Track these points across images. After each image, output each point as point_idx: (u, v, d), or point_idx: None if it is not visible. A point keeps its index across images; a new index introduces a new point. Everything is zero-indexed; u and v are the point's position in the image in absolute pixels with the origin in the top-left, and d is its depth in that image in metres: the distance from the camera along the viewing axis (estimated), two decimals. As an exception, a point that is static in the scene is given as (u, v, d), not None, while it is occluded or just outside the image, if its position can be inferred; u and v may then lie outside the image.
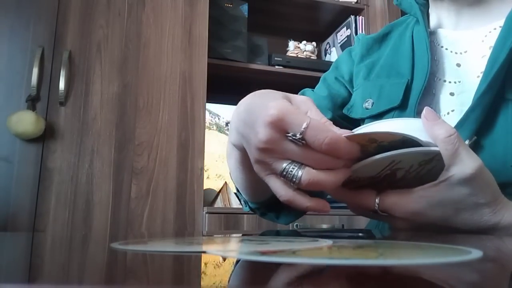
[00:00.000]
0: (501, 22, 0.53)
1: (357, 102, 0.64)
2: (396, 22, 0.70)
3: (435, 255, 0.24)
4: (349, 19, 2.02)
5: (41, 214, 1.34)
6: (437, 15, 0.63)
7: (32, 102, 1.39)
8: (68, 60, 1.44)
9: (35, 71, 1.38)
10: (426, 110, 0.41)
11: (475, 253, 0.23)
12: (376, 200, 0.42)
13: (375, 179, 0.43)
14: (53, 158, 1.38)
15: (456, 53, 0.59)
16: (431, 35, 0.61)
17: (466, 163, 0.39)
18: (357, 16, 2.03)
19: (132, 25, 1.55)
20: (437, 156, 0.40)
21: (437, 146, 0.40)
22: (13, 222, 1.32)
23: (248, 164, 0.43)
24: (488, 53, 0.52)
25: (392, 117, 0.57)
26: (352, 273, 0.19)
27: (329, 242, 0.30)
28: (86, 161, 1.41)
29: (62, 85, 1.40)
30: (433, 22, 0.64)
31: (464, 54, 0.58)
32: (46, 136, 1.39)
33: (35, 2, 1.46)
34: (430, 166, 0.41)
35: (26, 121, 1.32)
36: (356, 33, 2.00)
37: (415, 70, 0.58)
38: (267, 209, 0.61)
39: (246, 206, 0.62)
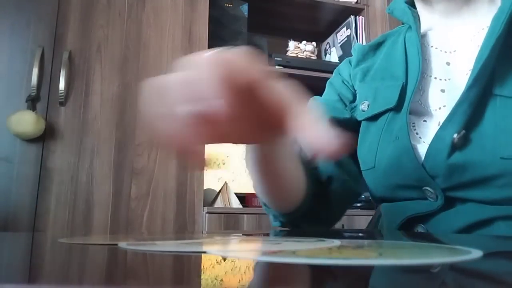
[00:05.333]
0: (488, 22, 0.55)
1: (357, 105, 0.66)
2: (390, 32, 0.72)
3: (435, 255, 0.24)
4: (349, 19, 2.02)
5: (41, 214, 1.34)
6: (427, 19, 0.65)
7: (32, 102, 1.39)
8: (68, 60, 1.44)
9: (35, 71, 1.38)
10: None
11: (475, 253, 0.23)
12: None
13: None
14: (53, 158, 1.38)
15: (445, 52, 0.61)
16: (422, 37, 0.63)
17: None
18: (357, 16, 2.03)
19: (132, 25, 1.55)
20: None
21: None
22: (13, 222, 1.32)
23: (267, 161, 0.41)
24: (476, 51, 0.54)
25: (387, 118, 0.58)
26: (352, 273, 0.19)
27: (337, 242, 0.30)
28: (86, 161, 1.41)
29: (62, 85, 1.40)
30: (423, 26, 0.66)
31: (454, 53, 0.60)
32: (46, 136, 1.39)
33: (35, 2, 1.46)
34: None
35: (26, 121, 1.32)
36: (356, 33, 2.00)
37: (408, 73, 0.60)
38: (300, 220, 0.59)
39: (276, 221, 0.61)
